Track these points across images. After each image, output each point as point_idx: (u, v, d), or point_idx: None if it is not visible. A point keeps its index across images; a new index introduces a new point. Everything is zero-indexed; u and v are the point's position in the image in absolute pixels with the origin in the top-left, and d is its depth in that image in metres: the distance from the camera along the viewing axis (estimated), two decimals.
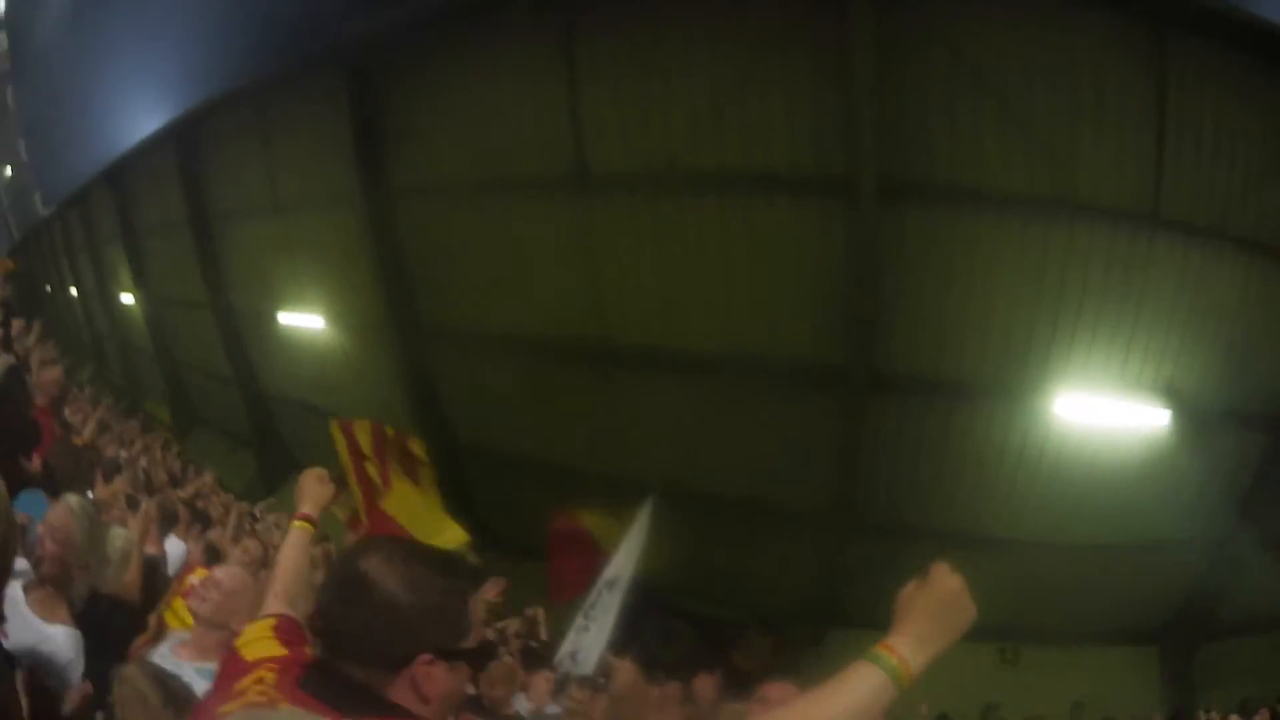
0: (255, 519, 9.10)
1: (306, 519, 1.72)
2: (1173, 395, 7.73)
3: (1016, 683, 8.08)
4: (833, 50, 6.74)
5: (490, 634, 5.97)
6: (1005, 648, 8.08)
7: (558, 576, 6.98)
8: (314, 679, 1.08)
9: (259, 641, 1.24)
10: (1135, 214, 7.38)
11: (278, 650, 1.21)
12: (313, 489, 1.78)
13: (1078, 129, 7.23)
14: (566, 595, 6.69)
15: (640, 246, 7.23)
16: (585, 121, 7.20)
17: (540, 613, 6.76)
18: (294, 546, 1.68)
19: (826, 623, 7.24)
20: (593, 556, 6.68)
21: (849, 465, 7.17)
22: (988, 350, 6.99)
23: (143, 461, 8.73)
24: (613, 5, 7.14)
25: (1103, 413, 7.60)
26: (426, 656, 1.06)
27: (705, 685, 6.46)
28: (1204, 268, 7.68)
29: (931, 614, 1.06)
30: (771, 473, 7.29)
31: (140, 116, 12.87)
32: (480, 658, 1.16)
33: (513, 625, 6.68)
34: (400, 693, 1.06)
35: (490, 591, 6.24)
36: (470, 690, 4.16)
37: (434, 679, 1.07)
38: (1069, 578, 7.86)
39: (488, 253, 7.91)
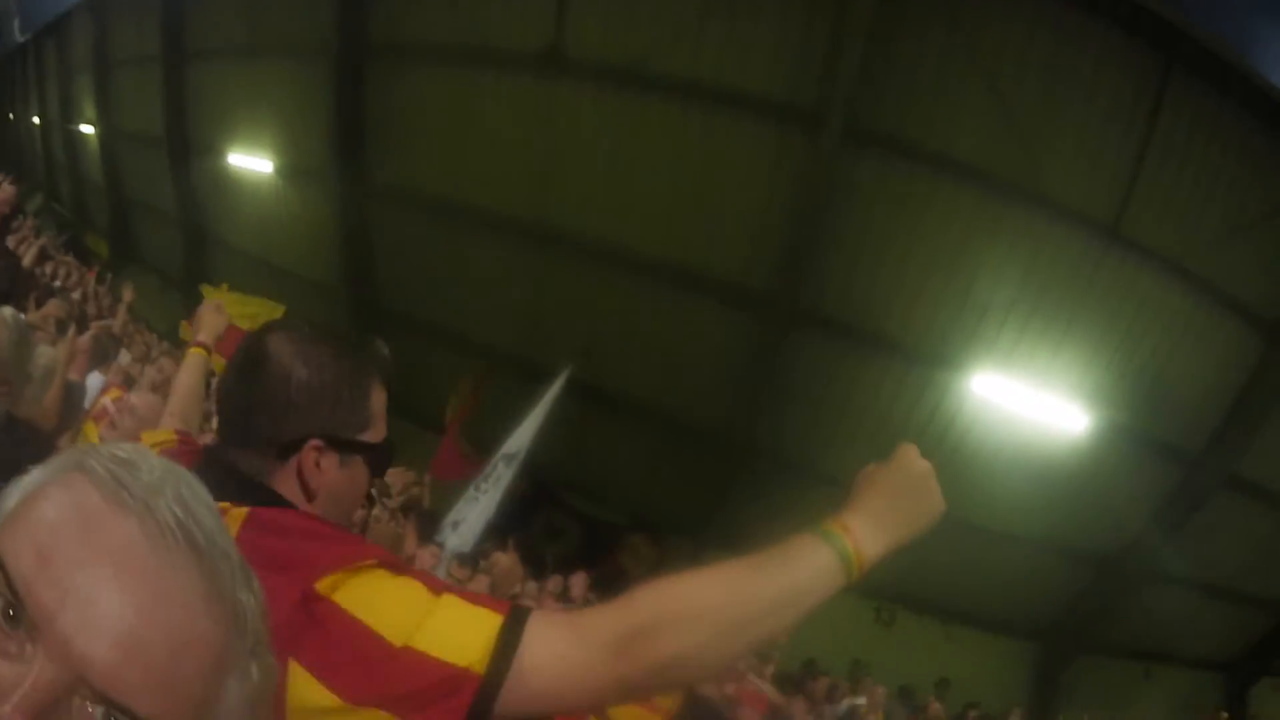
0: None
1: (202, 346, 1.82)
2: (1092, 405, 8.00)
3: (888, 646, 8.43)
4: None
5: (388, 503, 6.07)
6: (882, 608, 8.39)
7: (444, 455, 7.13)
8: (200, 467, 0.93)
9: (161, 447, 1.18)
10: (1094, 222, 7.57)
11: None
12: (210, 319, 1.87)
13: (1059, 126, 7.38)
14: (443, 474, 6.83)
15: (597, 138, 7.30)
16: (571, 2, 7.20)
17: (427, 482, 6.90)
18: (190, 370, 1.76)
19: (708, 543, 7.50)
20: (467, 459, 6.81)
21: (755, 393, 7.37)
22: (915, 313, 7.19)
23: (76, 294, 8.74)
24: None
25: (1019, 404, 7.84)
26: (316, 441, 0.98)
27: (578, 583, 6.68)
28: (1150, 294, 7.91)
29: (895, 494, 0.93)
30: (679, 384, 7.47)
31: None
32: (378, 456, 1.05)
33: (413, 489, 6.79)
34: (285, 483, 0.98)
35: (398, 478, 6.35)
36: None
37: (322, 469, 0.99)
38: (956, 555, 8.14)
39: (447, 119, 7.94)
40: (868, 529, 0.90)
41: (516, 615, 0.82)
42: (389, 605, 0.82)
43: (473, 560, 5.99)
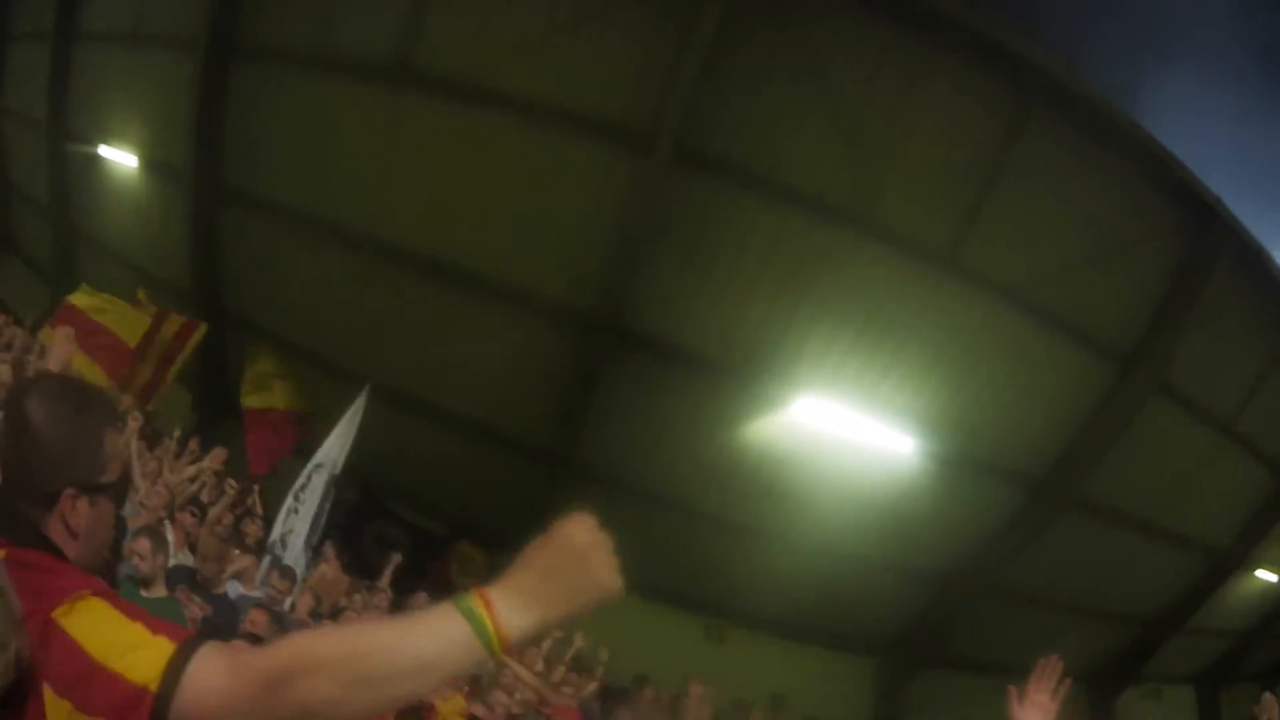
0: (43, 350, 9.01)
1: None
2: (922, 429, 8.22)
3: (719, 661, 8.59)
4: (680, 9, 6.92)
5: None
6: (711, 624, 8.56)
7: (256, 448, 7.20)
8: None
9: None
10: (932, 250, 7.78)
11: None
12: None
13: (900, 156, 7.55)
14: (264, 466, 6.89)
15: (434, 151, 7.43)
16: (426, 15, 7.31)
17: (256, 487, 6.93)
18: None
19: None
20: (285, 428, 6.93)
21: (574, 410, 7.54)
22: (738, 332, 7.44)
23: None
24: None
25: (845, 426, 8.06)
26: (71, 491, 1.15)
27: (419, 603, 6.78)
28: (987, 323, 8.12)
29: (549, 571, 0.92)
30: (501, 399, 7.62)
31: None
32: (118, 490, 1.23)
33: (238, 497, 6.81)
34: (55, 528, 1.14)
35: (215, 459, 6.42)
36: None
37: (78, 513, 1.15)
38: (785, 572, 8.40)
39: (295, 126, 8.03)
40: (511, 604, 0.90)
41: (187, 646, 0.97)
42: (98, 631, 1.00)
43: (292, 572, 6.07)
